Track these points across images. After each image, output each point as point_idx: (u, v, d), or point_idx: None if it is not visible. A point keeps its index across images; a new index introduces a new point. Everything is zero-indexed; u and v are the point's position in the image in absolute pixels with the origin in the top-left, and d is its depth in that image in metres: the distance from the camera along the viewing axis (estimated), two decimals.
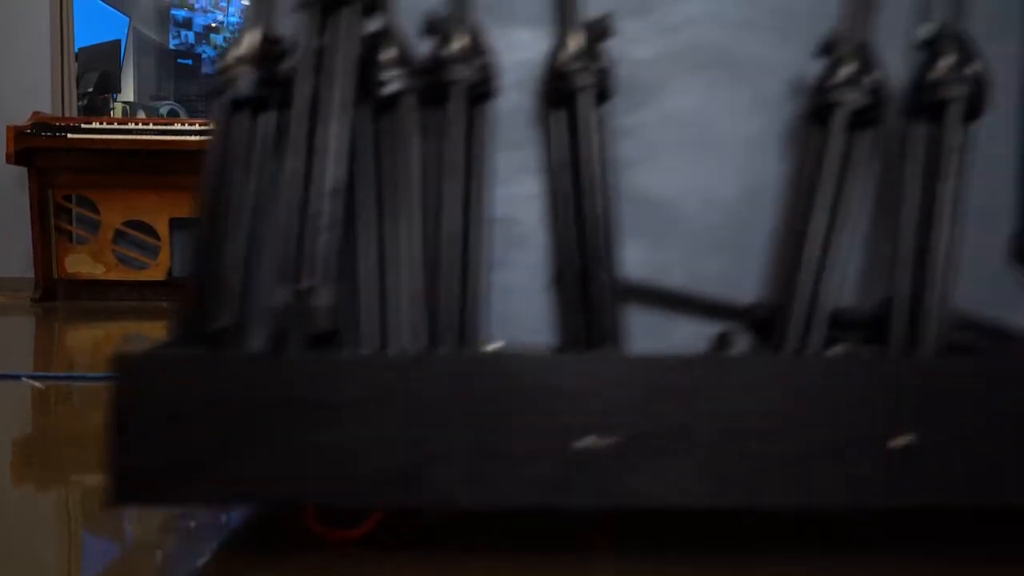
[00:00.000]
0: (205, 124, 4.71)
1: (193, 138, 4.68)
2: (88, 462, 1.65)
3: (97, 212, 4.98)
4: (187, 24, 6.11)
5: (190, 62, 6.09)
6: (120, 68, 5.90)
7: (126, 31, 6.94)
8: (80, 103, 5.60)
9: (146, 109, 6.34)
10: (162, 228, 4.96)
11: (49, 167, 4.81)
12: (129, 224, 4.98)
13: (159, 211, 4.93)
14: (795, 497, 1.06)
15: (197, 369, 1.06)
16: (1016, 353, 1.28)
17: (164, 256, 4.99)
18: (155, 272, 4.99)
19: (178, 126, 4.84)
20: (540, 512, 1.23)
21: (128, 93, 7.09)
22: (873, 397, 1.07)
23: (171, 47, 6.45)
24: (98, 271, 5.00)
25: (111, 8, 6.41)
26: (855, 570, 1.17)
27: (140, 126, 4.83)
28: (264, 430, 1.04)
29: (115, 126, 4.82)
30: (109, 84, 5.61)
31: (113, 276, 5.00)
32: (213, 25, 6.08)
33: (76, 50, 5.52)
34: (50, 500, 1.56)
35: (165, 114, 6.37)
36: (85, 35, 5.69)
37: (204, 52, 6.11)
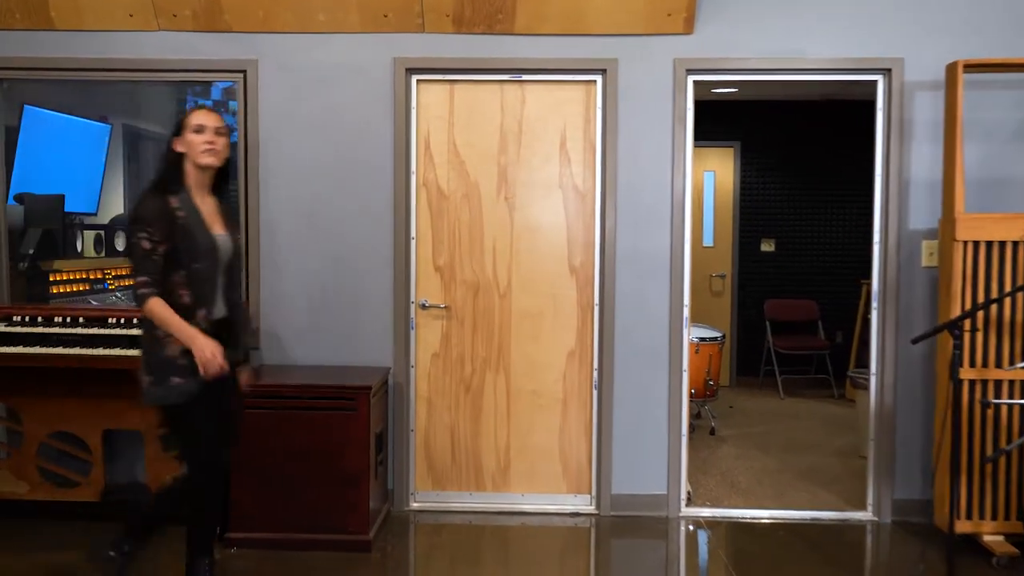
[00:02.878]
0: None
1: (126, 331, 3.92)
2: None
3: (20, 422, 4.22)
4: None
5: None
6: (65, 227, 5.16)
7: (107, 138, 6.27)
8: (21, 266, 4.86)
9: (126, 230, 5.64)
10: (94, 441, 4.19)
11: None
12: (56, 436, 4.22)
13: (91, 421, 4.16)
14: None
15: None
16: None
17: (97, 473, 4.21)
18: (86, 492, 4.21)
19: (112, 320, 4.06)
20: None
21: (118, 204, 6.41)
22: None
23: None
24: (21, 490, 4.22)
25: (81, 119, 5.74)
26: None
27: (68, 329, 4.05)
28: None
29: (39, 329, 4.04)
30: (52, 248, 4.86)
31: (39, 496, 4.22)
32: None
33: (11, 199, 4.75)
34: None
35: None
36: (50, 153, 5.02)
37: None
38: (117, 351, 3.89)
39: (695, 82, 4.47)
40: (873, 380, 4.50)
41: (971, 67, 3.95)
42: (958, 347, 3.23)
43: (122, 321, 4.03)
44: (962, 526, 3.95)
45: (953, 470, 3.55)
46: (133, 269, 2.94)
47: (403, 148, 4.44)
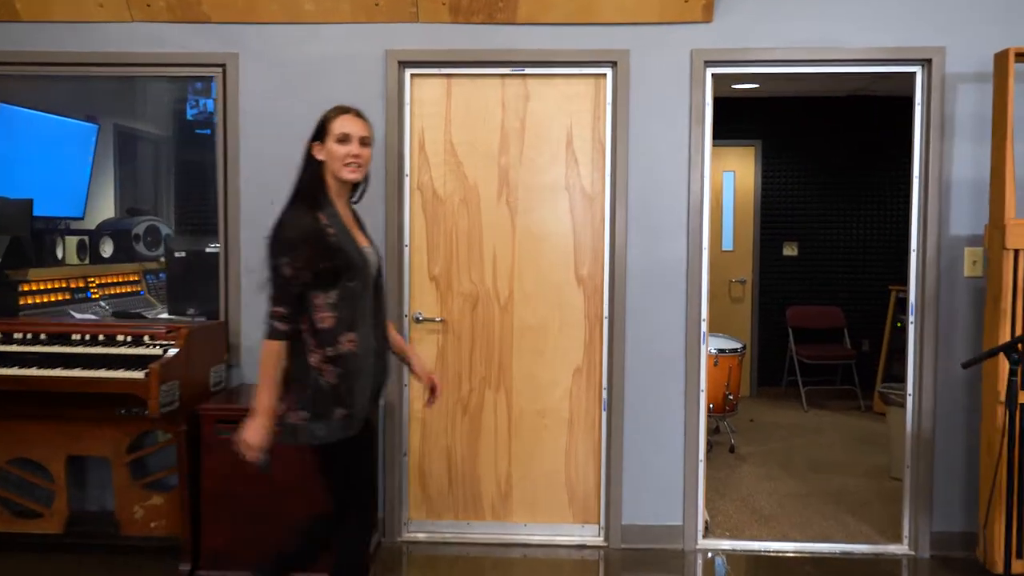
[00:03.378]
0: (135, 328, 3.63)
1: (108, 351, 3.58)
2: None
3: None
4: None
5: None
6: (41, 232, 4.84)
7: (94, 139, 5.95)
8: None
9: (114, 235, 5.32)
10: (57, 468, 3.85)
11: None
12: (16, 463, 3.89)
13: (54, 447, 3.83)
14: None
15: None
16: None
17: (61, 502, 3.88)
18: (49, 523, 3.88)
19: (76, 337, 3.72)
20: None
21: (108, 208, 6.09)
22: None
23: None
24: None
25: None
26: None
27: (30, 347, 3.71)
28: None
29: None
30: (22, 256, 4.53)
31: None
32: None
33: None
34: None
35: (142, 233, 5.35)
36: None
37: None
38: (78, 372, 3.54)
39: (714, 75, 4.09)
40: (909, 401, 4.11)
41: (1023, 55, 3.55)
42: (1015, 372, 2.84)
43: (87, 338, 3.69)
44: (1017, 566, 3.54)
45: (1008, 506, 3.16)
46: (272, 297, 2.64)
47: (396, 148, 4.09)
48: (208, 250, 4.38)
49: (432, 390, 3.05)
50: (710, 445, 5.93)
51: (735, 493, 5.00)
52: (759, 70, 4.08)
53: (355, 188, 2.85)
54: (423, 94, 4.16)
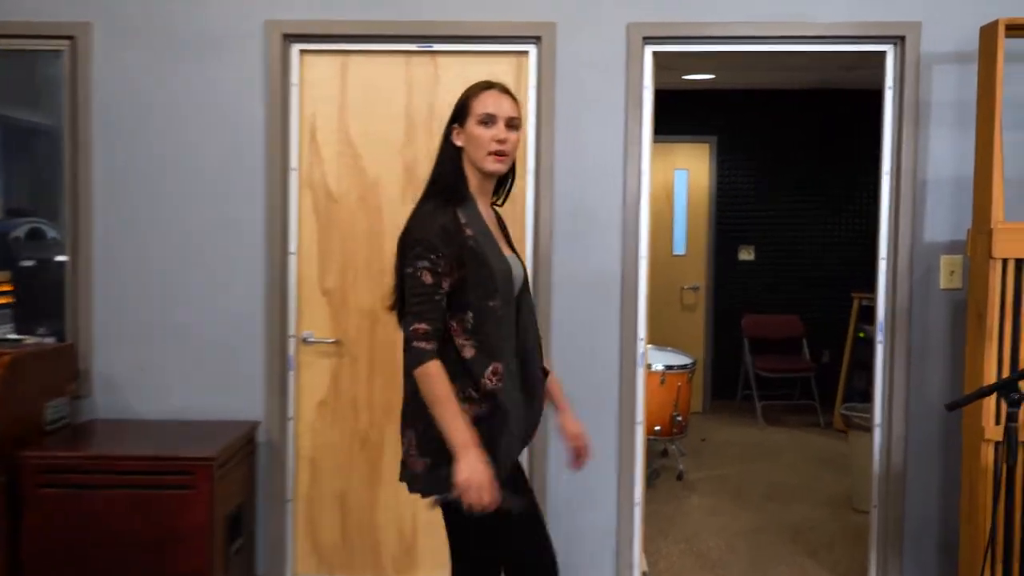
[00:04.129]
0: None
1: None
2: None
3: None
4: None
5: None
6: None
7: None
8: None
9: None
10: None
11: None
12: None
13: None
14: None
15: None
16: None
17: None
18: None
19: None
20: None
21: None
22: None
23: None
24: None
25: None
26: None
27: None
28: None
29: None
30: None
31: None
32: None
33: None
34: None
35: (23, 236, 4.65)
36: None
37: None
38: None
39: (656, 55, 3.51)
40: (877, 433, 3.55)
41: (1016, 27, 2.99)
42: (1013, 417, 2.26)
43: None
44: None
45: (1007, 565, 2.61)
46: (409, 312, 2.12)
47: (279, 138, 3.45)
48: (60, 259, 3.71)
49: (577, 454, 2.44)
50: (656, 473, 5.35)
51: (680, 532, 4.42)
52: (706, 48, 3.50)
53: (499, 185, 2.37)
54: (314, 74, 3.53)
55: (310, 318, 3.55)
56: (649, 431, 4.98)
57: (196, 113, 3.46)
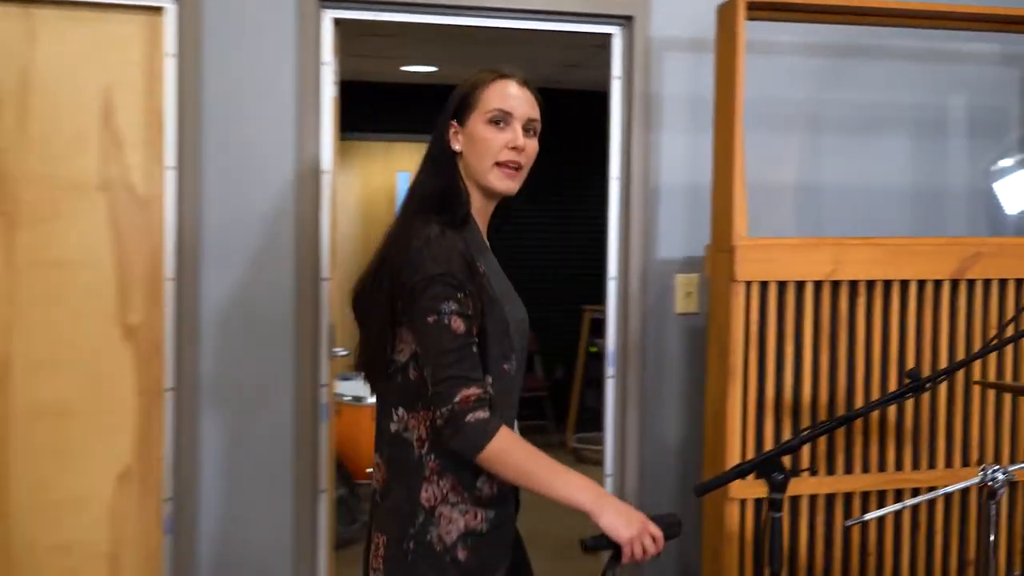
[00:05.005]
0: None
1: None
2: None
3: None
4: None
5: None
6: None
7: None
8: None
9: None
10: None
11: None
12: None
13: None
14: None
15: None
16: None
17: None
18: None
19: None
20: None
21: None
22: None
23: None
24: None
25: None
26: None
27: None
28: None
29: None
30: None
31: None
32: None
33: None
34: None
35: None
36: None
37: None
38: None
39: (337, 20, 2.76)
40: (608, 483, 3.02)
41: (758, 7, 2.51)
42: (777, 505, 1.73)
43: None
44: None
45: None
46: (445, 375, 1.51)
47: None
48: None
49: None
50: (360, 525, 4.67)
51: None
52: (403, 17, 2.80)
53: (497, 210, 1.81)
54: None
55: None
56: (362, 475, 4.35)
57: None
